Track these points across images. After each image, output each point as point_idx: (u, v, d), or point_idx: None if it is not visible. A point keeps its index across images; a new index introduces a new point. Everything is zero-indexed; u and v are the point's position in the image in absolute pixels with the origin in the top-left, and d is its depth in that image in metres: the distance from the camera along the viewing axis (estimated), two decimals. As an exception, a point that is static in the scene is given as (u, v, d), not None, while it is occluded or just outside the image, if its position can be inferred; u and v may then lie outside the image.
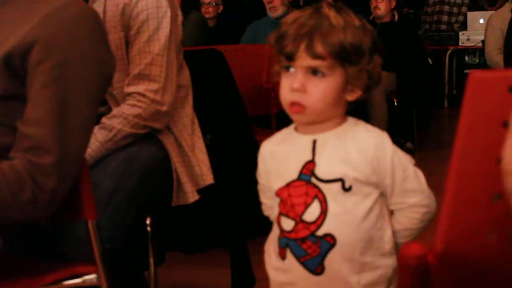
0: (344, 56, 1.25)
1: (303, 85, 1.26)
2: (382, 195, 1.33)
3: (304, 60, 1.25)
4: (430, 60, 5.85)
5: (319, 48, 1.24)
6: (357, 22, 1.28)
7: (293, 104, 1.28)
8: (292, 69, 1.28)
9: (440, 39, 7.21)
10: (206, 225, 2.24)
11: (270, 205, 1.43)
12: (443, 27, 7.38)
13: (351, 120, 1.34)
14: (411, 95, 5.02)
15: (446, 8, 7.42)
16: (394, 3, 5.15)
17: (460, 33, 7.16)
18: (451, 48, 7.19)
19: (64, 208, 1.43)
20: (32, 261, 1.58)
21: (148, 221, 1.89)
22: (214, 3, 5.46)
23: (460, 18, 7.34)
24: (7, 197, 1.34)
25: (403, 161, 1.32)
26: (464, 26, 7.29)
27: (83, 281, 1.48)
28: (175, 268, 2.68)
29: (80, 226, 1.52)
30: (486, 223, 0.75)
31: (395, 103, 4.88)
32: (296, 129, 1.36)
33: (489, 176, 0.76)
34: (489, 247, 0.74)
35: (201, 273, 2.74)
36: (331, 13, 1.27)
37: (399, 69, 4.85)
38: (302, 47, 1.25)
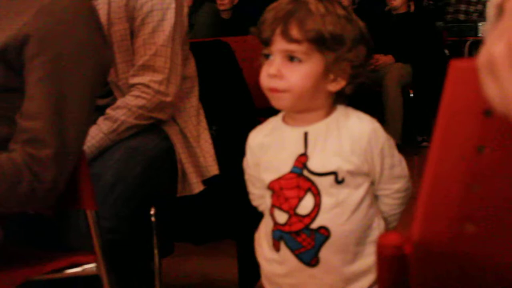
0: (321, 42, 1.24)
1: (280, 70, 1.25)
2: (372, 183, 1.33)
3: (279, 44, 1.24)
4: (447, 51, 5.79)
5: (294, 32, 1.23)
6: (340, 11, 1.27)
7: (271, 90, 1.27)
8: (271, 57, 1.27)
9: (459, 30, 7.12)
10: (213, 216, 2.25)
11: (259, 195, 1.43)
12: (461, 16, 7.29)
13: (340, 109, 1.32)
14: (428, 86, 4.97)
15: (465, -4, 7.33)
16: (410, -6, 5.10)
17: (479, 24, 7.06)
18: (470, 39, 7.10)
19: (63, 198, 1.45)
20: (32, 250, 1.60)
21: (152, 212, 1.91)
22: (229, -5, 5.44)
23: (479, 7, 7.24)
24: (5, 188, 1.35)
25: (392, 147, 1.32)
26: (484, 16, 7.20)
27: (83, 270, 1.49)
28: (185, 259, 2.70)
29: (83, 216, 1.53)
30: (463, 213, 0.74)
31: (411, 95, 4.84)
32: (284, 120, 1.34)
33: (468, 166, 0.75)
34: (466, 237, 0.73)
35: (211, 263, 2.76)
36: (311, 0, 1.26)
37: (415, 61, 4.81)
38: (278, 31, 1.24)
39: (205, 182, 2.03)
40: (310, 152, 1.30)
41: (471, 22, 7.16)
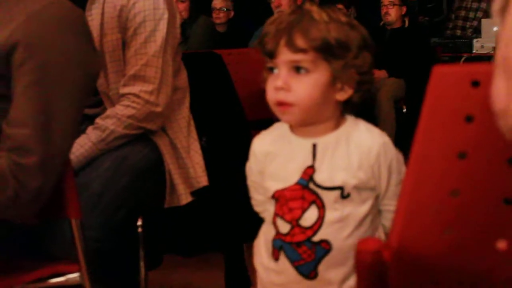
0: (327, 50, 1.21)
1: (287, 83, 1.22)
2: (377, 197, 1.31)
3: (285, 55, 1.22)
4: (441, 67, 5.79)
5: (300, 41, 1.21)
6: (343, 18, 1.25)
7: (279, 103, 1.24)
8: (276, 70, 1.24)
9: (454, 46, 7.14)
10: (202, 227, 2.23)
11: (261, 201, 1.40)
12: (459, 32, 7.33)
13: (350, 120, 1.30)
14: (421, 102, 4.97)
15: (463, 13, 7.37)
16: (404, 10, 5.13)
17: (474, 41, 7.08)
18: (465, 55, 7.12)
19: (48, 206, 1.43)
20: (15, 259, 1.58)
21: (139, 223, 1.89)
22: (225, 9, 5.47)
23: (474, 23, 7.28)
24: None
25: (400, 163, 1.29)
26: (479, 33, 7.22)
27: (66, 280, 1.47)
28: (173, 271, 2.68)
29: (68, 225, 1.52)
30: (443, 220, 0.73)
31: (404, 110, 4.84)
32: (292, 130, 1.31)
33: (449, 172, 0.74)
34: (444, 244, 0.72)
35: (198, 276, 2.74)
36: (313, 9, 1.24)
37: (408, 76, 4.82)
38: (283, 42, 1.22)
39: (194, 193, 2.02)
40: (317, 164, 1.27)
41: (466, 38, 7.19)
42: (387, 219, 1.34)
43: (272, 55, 1.23)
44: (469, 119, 0.75)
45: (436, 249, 0.74)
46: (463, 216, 0.73)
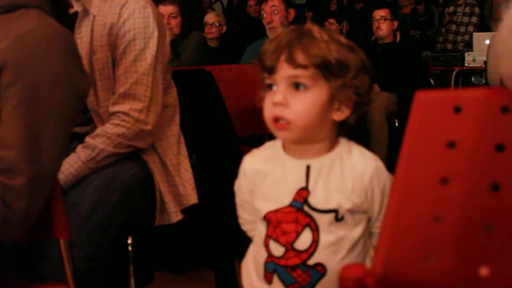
0: (326, 68, 1.21)
1: (286, 98, 1.21)
2: (368, 220, 1.31)
3: (285, 70, 1.22)
4: (432, 81, 5.82)
5: (300, 57, 1.21)
6: (343, 40, 1.26)
7: (276, 119, 1.23)
8: (274, 87, 1.24)
9: (445, 60, 7.17)
10: (192, 245, 2.23)
11: (249, 220, 1.39)
12: (449, 46, 7.37)
13: (344, 143, 1.30)
14: (413, 115, 4.98)
15: (453, 27, 7.42)
16: (396, 24, 5.15)
17: (466, 54, 7.12)
18: (457, 69, 7.15)
19: (37, 226, 1.43)
20: (4, 278, 1.57)
21: (129, 241, 1.89)
22: (217, 24, 5.48)
23: (466, 37, 7.32)
24: None
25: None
26: (470, 46, 7.27)
27: (55, 301, 1.47)
28: (164, 288, 2.67)
29: (57, 245, 1.51)
30: (426, 245, 0.73)
31: (396, 124, 4.85)
32: (285, 149, 1.31)
33: (432, 198, 0.75)
34: (428, 270, 0.73)
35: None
36: (314, 28, 1.25)
37: (400, 90, 4.84)
38: (283, 58, 1.22)
39: (184, 211, 2.02)
40: (311, 187, 1.27)
41: (457, 52, 7.23)
42: (376, 241, 1.34)
43: (271, 70, 1.23)
44: (451, 145, 0.75)
45: (420, 275, 0.74)
46: (447, 242, 0.73)
